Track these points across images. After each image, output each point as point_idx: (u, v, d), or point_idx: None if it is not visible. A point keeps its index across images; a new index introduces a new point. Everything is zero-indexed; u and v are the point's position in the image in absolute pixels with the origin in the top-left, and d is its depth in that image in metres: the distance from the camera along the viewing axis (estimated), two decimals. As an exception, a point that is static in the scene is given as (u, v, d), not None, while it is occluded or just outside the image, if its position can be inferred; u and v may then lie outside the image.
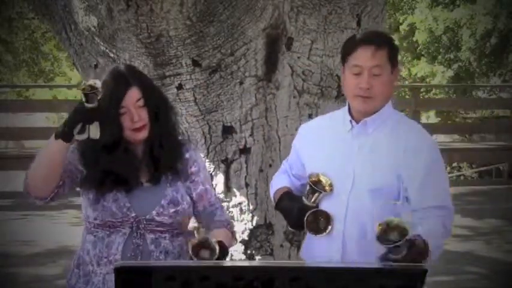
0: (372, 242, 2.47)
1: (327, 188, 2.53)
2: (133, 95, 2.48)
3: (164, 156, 2.54)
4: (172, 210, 2.51)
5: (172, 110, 2.66)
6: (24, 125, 12.89)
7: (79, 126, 2.32)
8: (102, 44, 3.61)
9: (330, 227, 2.53)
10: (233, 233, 2.69)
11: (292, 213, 2.60)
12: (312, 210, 2.54)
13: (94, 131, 2.34)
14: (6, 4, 13.89)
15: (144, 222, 2.49)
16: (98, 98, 2.32)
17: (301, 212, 2.55)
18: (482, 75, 15.74)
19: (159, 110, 2.54)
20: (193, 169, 2.61)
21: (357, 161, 2.53)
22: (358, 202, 2.51)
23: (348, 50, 2.56)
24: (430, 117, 15.87)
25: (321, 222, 2.53)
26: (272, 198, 2.79)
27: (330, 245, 2.55)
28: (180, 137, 2.69)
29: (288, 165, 2.81)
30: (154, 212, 2.49)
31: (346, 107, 2.63)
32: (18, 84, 17.40)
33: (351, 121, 2.57)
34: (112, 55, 3.60)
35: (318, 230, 2.54)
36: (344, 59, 2.57)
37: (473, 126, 14.32)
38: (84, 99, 2.31)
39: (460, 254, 6.65)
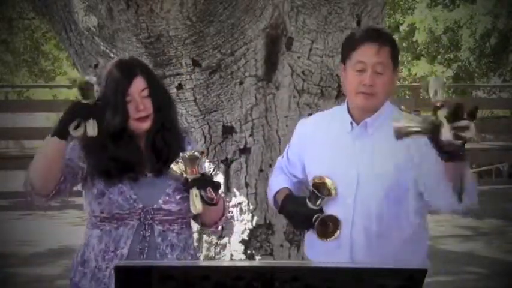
0: (379, 244, 2.49)
1: (332, 191, 2.50)
2: (139, 84, 2.49)
3: (165, 148, 2.54)
4: (178, 196, 2.51)
5: (174, 105, 2.68)
6: (24, 125, 12.87)
7: (74, 123, 2.32)
8: (102, 44, 3.61)
9: (338, 232, 2.51)
10: (225, 205, 2.68)
11: (297, 218, 2.58)
12: (321, 215, 2.51)
13: (91, 127, 2.33)
14: (6, 4, 13.88)
15: (152, 212, 2.49)
16: (94, 94, 2.34)
17: (306, 216, 2.53)
18: (482, 75, 15.75)
19: (163, 103, 2.55)
20: None
21: (360, 163, 2.51)
22: (365, 205, 2.49)
23: (350, 46, 2.54)
24: (430, 117, 15.85)
25: (329, 226, 2.51)
26: (270, 199, 2.76)
27: (338, 249, 2.53)
28: (184, 128, 2.74)
29: (284, 163, 2.77)
30: (161, 201, 2.50)
31: (344, 107, 2.60)
32: (18, 84, 17.41)
33: (351, 123, 2.55)
34: (112, 55, 3.60)
35: (326, 235, 2.52)
36: (346, 56, 2.54)
37: (473, 126, 14.30)
38: (80, 95, 2.32)
39: (460, 254, 6.66)
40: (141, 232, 2.49)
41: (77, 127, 2.33)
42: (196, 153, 2.44)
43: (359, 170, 2.50)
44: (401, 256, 2.49)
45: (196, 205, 2.39)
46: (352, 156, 2.53)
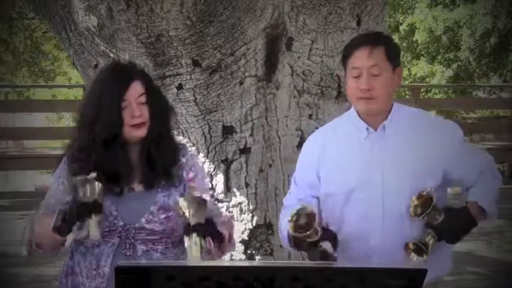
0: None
1: (310, 216, 2.30)
2: (136, 89, 2.37)
3: (160, 159, 2.41)
4: (163, 216, 2.38)
5: (172, 112, 2.55)
6: (24, 125, 12.88)
7: (77, 224, 2.25)
8: (102, 44, 3.61)
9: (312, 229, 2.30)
10: (230, 235, 2.47)
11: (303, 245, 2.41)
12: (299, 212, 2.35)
13: (94, 229, 2.22)
14: (6, 4, 13.88)
15: (133, 231, 2.37)
16: (95, 190, 2.22)
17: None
18: (482, 75, 15.74)
19: (160, 110, 2.43)
20: (190, 175, 2.44)
21: (383, 168, 2.47)
22: (394, 210, 2.45)
23: (346, 54, 2.55)
24: (430, 117, 15.85)
25: (301, 218, 2.31)
26: (285, 243, 2.57)
27: (370, 256, 2.49)
28: (179, 139, 2.61)
29: (297, 196, 2.60)
30: (143, 220, 2.37)
31: (352, 113, 2.57)
32: (18, 84, 17.41)
33: (367, 128, 2.52)
34: (112, 55, 3.60)
35: (298, 230, 2.32)
36: (344, 65, 2.56)
37: (473, 126, 14.33)
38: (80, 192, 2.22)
39: (460, 254, 6.64)
40: (123, 251, 2.37)
41: (79, 227, 2.26)
42: (204, 196, 2.23)
43: (384, 175, 2.46)
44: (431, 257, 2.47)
45: (193, 252, 2.20)
46: (373, 162, 2.48)
